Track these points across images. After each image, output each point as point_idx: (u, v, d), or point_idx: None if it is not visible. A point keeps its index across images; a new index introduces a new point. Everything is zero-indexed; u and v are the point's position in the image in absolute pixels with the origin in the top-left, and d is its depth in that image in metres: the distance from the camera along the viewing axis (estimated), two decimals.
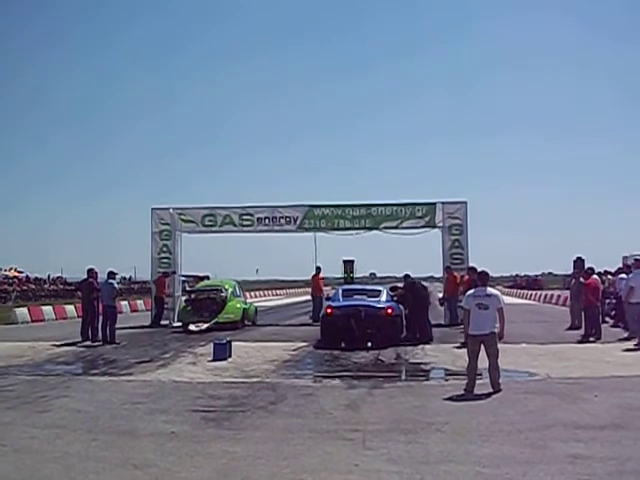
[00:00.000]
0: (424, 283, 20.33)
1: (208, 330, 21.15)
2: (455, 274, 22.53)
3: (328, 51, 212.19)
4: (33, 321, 28.06)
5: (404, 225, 24.87)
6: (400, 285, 20.00)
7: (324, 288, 26.20)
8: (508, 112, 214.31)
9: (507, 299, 15.64)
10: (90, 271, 18.91)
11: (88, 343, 17.93)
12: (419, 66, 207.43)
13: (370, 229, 25.27)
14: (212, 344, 14.93)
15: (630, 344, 15.35)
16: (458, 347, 14.97)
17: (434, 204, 24.61)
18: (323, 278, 26.36)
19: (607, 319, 19.98)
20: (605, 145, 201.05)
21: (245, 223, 25.62)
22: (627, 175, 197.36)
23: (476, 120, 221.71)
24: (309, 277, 27.11)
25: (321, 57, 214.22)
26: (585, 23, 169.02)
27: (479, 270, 12.80)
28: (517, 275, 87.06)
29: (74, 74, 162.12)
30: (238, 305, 23.53)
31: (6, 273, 52.30)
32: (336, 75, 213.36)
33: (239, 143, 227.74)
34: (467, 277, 19.69)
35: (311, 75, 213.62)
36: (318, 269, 26.45)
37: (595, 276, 18.27)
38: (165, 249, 25.69)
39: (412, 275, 19.70)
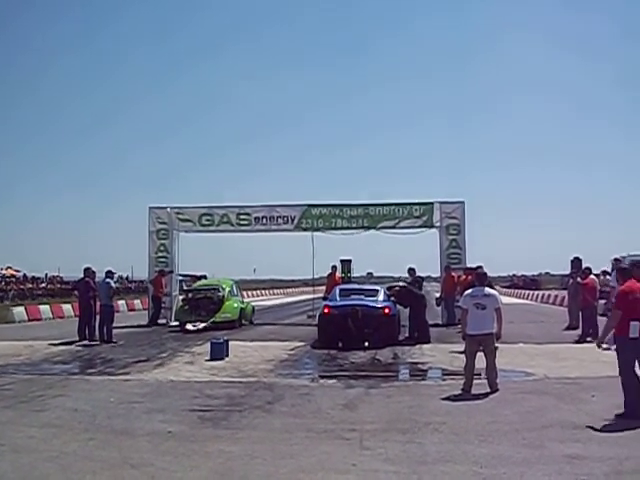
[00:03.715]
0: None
1: (205, 329, 21.17)
2: (453, 274, 22.53)
3: (325, 38, 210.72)
4: (30, 320, 28.05)
5: (401, 225, 24.86)
6: (396, 284, 20.01)
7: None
8: (508, 109, 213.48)
9: (504, 299, 15.68)
10: (87, 270, 18.88)
11: (85, 342, 17.92)
12: (419, 44, 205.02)
13: (367, 229, 25.25)
14: (209, 343, 14.92)
15: None
16: (461, 352, 14.87)
17: (431, 204, 24.61)
18: (335, 276, 26.09)
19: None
20: (607, 142, 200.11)
21: (242, 222, 25.62)
22: (628, 175, 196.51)
23: (476, 120, 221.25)
24: (307, 276, 26.99)
25: (318, 43, 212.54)
26: (588, 17, 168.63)
27: (477, 270, 12.80)
28: (514, 275, 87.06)
29: (65, 63, 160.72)
30: (235, 304, 23.55)
31: (3, 272, 52.22)
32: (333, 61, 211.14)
33: (233, 137, 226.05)
34: (464, 277, 19.71)
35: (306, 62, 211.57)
36: (334, 267, 26.27)
37: (592, 276, 18.29)
38: (162, 248, 25.69)
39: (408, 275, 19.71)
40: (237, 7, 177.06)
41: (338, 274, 26.39)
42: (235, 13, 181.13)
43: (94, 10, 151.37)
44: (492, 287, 12.48)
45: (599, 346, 8.98)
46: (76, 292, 19.83)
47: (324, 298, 21.22)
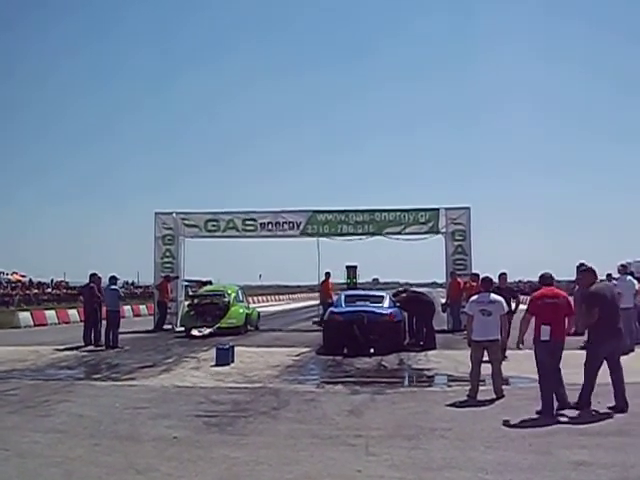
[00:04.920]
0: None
1: (211, 335, 21.16)
2: (458, 280, 22.51)
3: (328, 40, 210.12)
4: (36, 325, 28.14)
5: (407, 231, 24.86)
6: (402, 289, 20.04)
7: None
8: (512, 115, 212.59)
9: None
10: (93, 276, 18.92)
11: (91, 347, 17.95)
12: (422, 46, 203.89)
13: (373, 234, 25.24)
14: (215, 349, 14.92)
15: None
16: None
17: (437, 210, 24.60)
18: (328, 283, 26.16)
19: None
20: (614, 149, 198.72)
21: (248, 228, 25.66)
22: (633, 181, 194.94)
23: (480, 125, 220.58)
24: (312, 282, 26.97)
25: (318, 44, 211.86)
26: (591, 19, 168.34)
27: (482, 276, 12.77)
28: (520, 281, 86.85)
29: (68, 66, 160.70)
30: (241, 310, 23.54)
31: (9, 277, 52.35)
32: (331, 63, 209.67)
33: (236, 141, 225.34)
34: (470, 284, 19.70)
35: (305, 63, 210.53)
36: (327, 274, 26.33)
37: None
38: (168, 254, 25.72)
39: (414, 281, 19.70)
40: (237, 11, 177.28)
41: (331, 280, 26.46)
42: (235, 17, 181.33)
43: (97, 13, 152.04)
44: (515, 294, 12.52)
45: (518, 347, 9.62)
46: (81, 297, 19.85)
47: (326, 304, 21.20)
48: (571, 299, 9.93)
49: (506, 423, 8.49)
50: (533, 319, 9.31)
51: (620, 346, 9.65)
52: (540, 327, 9.11)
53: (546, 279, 9.74)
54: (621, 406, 9.03)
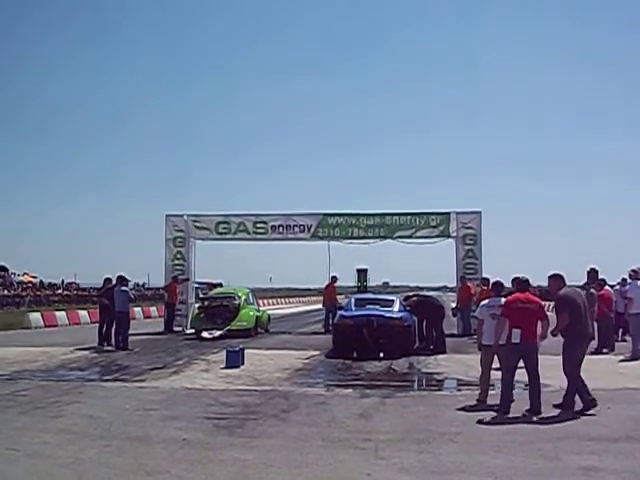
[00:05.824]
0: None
1: (221, 337, 21.20)
2: (469, 284, 22.48)
3: (338, 39, 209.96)
4: (47, 326, 28.21)
5: (418, 234, 24.88)
6: (412, 294, 20.03)
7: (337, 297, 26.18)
8: (525, 111, 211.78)
9: None
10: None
11: (102, 348, 18.00)
12: (432, 46, 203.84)
13: (384, 238, 25.28)
14: (225, 351, 14.95)
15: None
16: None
17: (448, 214, 24.62)
18: (335, 287, 26.16)
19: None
20: (628, 145, 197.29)
21: (259, 231, 25.73)
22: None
23: (488, 123, 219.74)
24: (323, 285, 26.91)
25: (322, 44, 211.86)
26: (594, 29, 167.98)
27: (493, 280, 12.76)
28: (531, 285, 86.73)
29: (76, 61, 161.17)
30: (251, 313, 23.56)
31: (20, 278, 52.56)
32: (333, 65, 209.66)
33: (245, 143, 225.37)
34: (481, 288, 19.67)
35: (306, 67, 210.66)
36: (333, 278, 26.30)
37: (608, 287, 18.19)
38: (179, 256, 25.83)
39: (425, 285, 19.71)
40: (245, 12, 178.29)
41: (336, 284, 26.46)
42: (244, 17, 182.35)
43: (101, 13, 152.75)
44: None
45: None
46: (104, 300, 19.68)
47: (339, 307, 21.23)
48: (544, 304, 10.11)
49: (480, 422, 8.78)
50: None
51: (586, 350, 10.16)
52: (511, 330, 9.40)
53: (521, 284, 9.98)
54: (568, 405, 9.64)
